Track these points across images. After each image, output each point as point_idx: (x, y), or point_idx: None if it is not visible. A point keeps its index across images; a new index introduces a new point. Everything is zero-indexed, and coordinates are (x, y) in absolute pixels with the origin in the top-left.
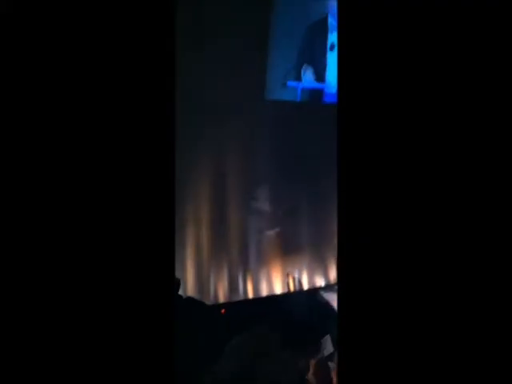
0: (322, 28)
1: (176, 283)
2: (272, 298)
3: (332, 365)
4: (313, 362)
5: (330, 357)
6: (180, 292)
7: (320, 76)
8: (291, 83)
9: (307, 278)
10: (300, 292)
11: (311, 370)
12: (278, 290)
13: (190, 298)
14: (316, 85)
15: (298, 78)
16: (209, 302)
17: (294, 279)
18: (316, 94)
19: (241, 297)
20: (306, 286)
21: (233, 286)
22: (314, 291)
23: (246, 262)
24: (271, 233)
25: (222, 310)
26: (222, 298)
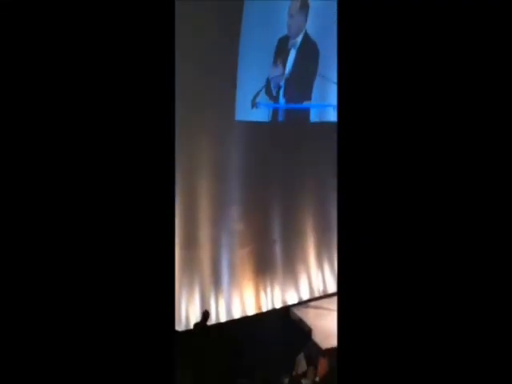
0: (311, 50)
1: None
2: (245, 319)
3: (305, 381)
4: (286, 380)
5: (303, 374)
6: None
7: (299, 96)
8: (263, 104)
9: (280, 296)
10: (273, 311)
11: None
12: (251, 310)
13: None
14: (293, 106)
15: (272, 99)
16: (179, 327)
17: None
18: (292, 114)
19: (212, 320)
20: (278, 304)
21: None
22: (287, 309)
23: (219, 283)
24: (243, 251)
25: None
26: (193, 324)
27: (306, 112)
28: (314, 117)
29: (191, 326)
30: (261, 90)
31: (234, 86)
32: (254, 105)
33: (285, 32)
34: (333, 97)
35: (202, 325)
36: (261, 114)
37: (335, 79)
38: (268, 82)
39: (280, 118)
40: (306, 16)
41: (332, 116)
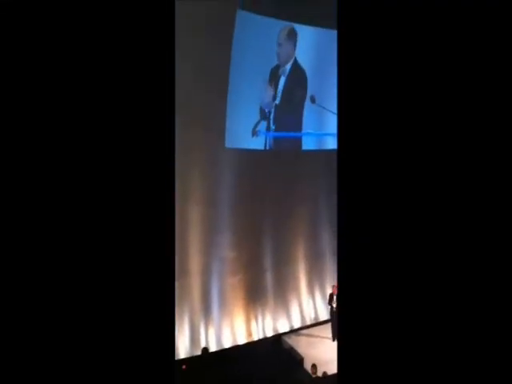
0: (300, 77)
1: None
2: (235, 348)
3: None
4: None
5: None
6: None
7: (289, 123)
8: (264, 132)
9: (271, 324)
10: (264, 339)
11: None
12: (242, 338)
13: None
14: (292, 134)
15: (266, 127)
16: None
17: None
18: (283, 142)
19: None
20: (269, 333)
21: (195, 339)
22: (278, 337)
23: (209, 312)
24: (234, 279)
25: (183, 367)
26: (182, 354)
27: (297, 140)
28: (305, 144)
29: (180, 356)
30: (261, 119)
31: (224, 114)
32: (254, 133)
33: (276, 61)
34: (324, 124)
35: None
36: (259, 142)
37: (325, 105)
38: (262, 110)
39: (271, 146)
40: (295, 44)
41: (323, 143)
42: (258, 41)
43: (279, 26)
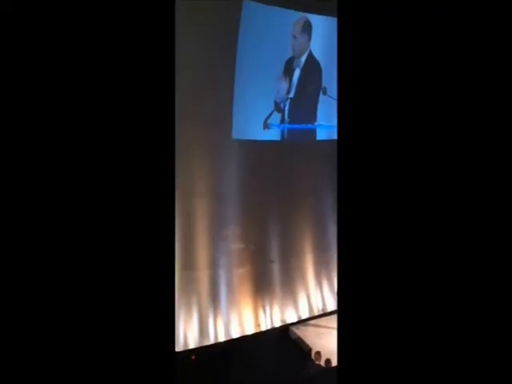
0: (314, 69)
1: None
2: (243, 338)
3: None
4: None
5: None
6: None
7: (303, 115)
8: (275, 125)
9: (279, 315)
10: (272, 330)
11: None
12: (250, 329)
13: None
14: (302, 126)
15: (281, 119)
16: (178, 348)
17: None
18: (294, 134)
19: (211, 340)
20: (277, 323)
21: (203, 330)
22: (286, 328)
23: (217, 303)
24: (241, 271)
25: (193, 357)
26: (191, 344)
27: (310, 131)
28: (318, 136)
29: (190, 347)
30: (272, 112)
31: (231, 105)
32: (265, 126)
33: (291, 53)
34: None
35: None
36: (270, 134)
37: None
38: (276, 102)
39: (284, 138)
40: (310, 36)
41: (335, 135)
42: (267, 33)
43: (290, 16)
